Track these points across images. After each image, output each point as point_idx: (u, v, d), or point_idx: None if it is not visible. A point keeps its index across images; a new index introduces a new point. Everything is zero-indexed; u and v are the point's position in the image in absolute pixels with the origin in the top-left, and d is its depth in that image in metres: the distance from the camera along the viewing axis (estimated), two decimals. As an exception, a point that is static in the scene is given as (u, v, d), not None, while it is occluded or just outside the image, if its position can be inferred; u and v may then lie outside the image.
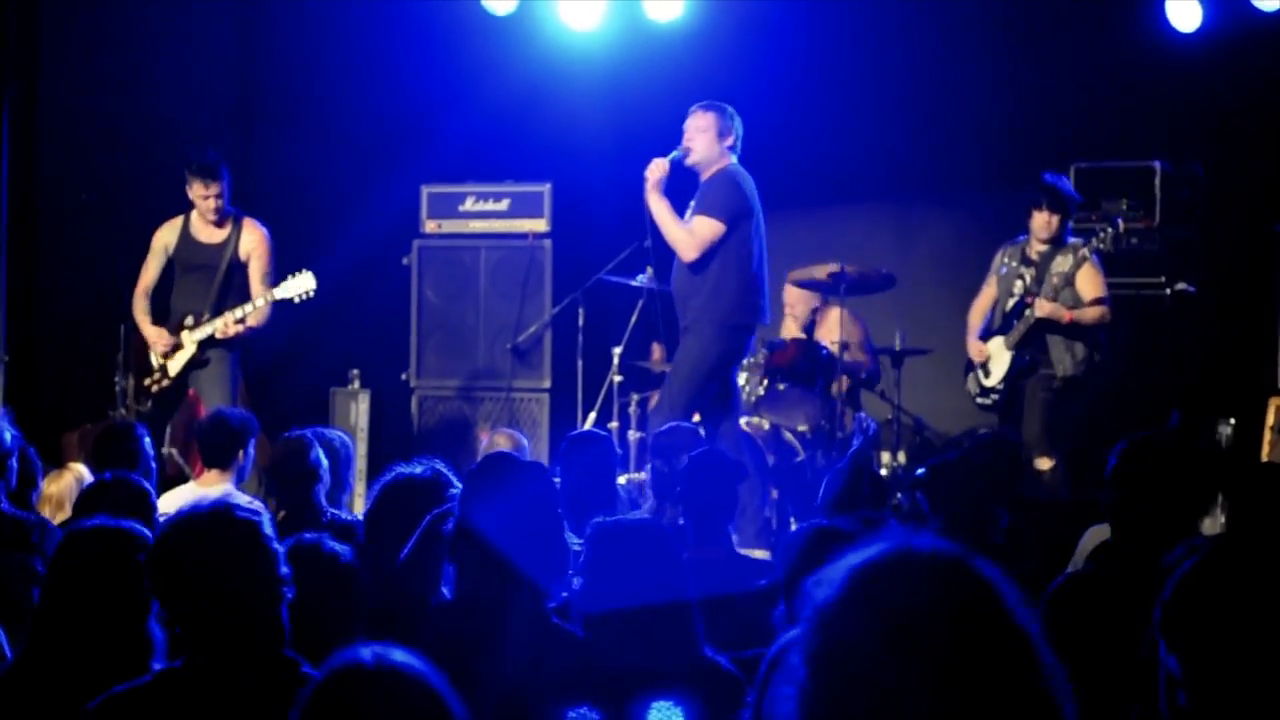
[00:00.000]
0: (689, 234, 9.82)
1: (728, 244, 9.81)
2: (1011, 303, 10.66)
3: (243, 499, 7.78)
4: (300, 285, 10.54)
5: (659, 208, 9.89)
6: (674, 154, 9.87)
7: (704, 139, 9.84)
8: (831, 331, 11.60)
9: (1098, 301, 10.48)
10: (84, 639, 4.31)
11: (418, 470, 5.74)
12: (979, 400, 10.84)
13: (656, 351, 11.94)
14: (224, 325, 10.53)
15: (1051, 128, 12.07)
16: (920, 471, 6.26)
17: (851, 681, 2.21)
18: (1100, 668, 4.48)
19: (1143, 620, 4.88)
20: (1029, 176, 10.75)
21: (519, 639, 4.47)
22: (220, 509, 3.90)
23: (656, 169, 9.85)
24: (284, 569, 3.88)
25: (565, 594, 4.94)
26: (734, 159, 9.96)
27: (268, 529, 3.91)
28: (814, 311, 11.86)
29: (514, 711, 4.26)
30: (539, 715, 4.29)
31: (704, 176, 9.94)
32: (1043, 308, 10.39)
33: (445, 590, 5.05)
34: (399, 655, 2.72)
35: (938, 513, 6.05)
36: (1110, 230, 10.35)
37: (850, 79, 12.70)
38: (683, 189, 10.08)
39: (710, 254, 9.81)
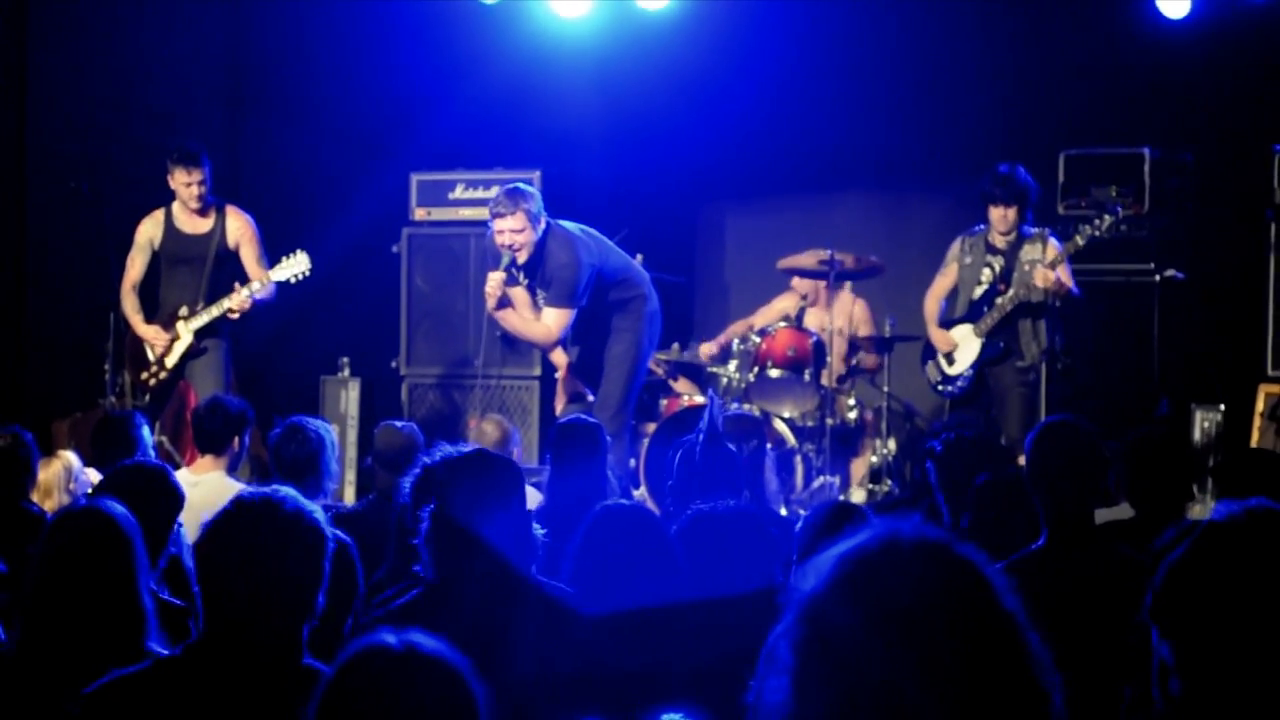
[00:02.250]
0: (545, 330, 9.93)
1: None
2: (980, 291, 10.69)
3: (236, 486, 7.83)
4: (296, 266, 10.55)
5: (509, 322, 9.97)
6: (504, 264, 9.79)
7: (524, 237, 9.72)
8: (851, 326, 11.65)
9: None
10: (77, 618, 4.33)
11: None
12: (940, 388, 10.87)
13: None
14: (234, 304, 10.49)
15: (1041, 115, 12.08)
16: (934, 445, 6.24)
17: (839, 670, 2.21)
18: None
19: (1073, 599, 4.95)
20: (1019, 163, 10.74)
21: (526, 628, 4.47)
22: (301, 512, 3.86)
23: (494, 290, 9.83)
24: (323, 594, 3.85)
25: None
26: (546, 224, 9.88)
27: (327, 529, 3.89)
28: (813, 297, 11.82)
29: (522, 715, 4.26)
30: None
31: (535, 251, 9.85)
32: (1046, 277, 10.35)
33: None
34: (424, 639, 2.73)
35: (944, 487, 6.05)
36: (1100, 224, 10.37)
37: (839, 67, 12.70)
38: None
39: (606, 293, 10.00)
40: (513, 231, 9.71)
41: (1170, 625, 2.79)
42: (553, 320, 9.87)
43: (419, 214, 12.44)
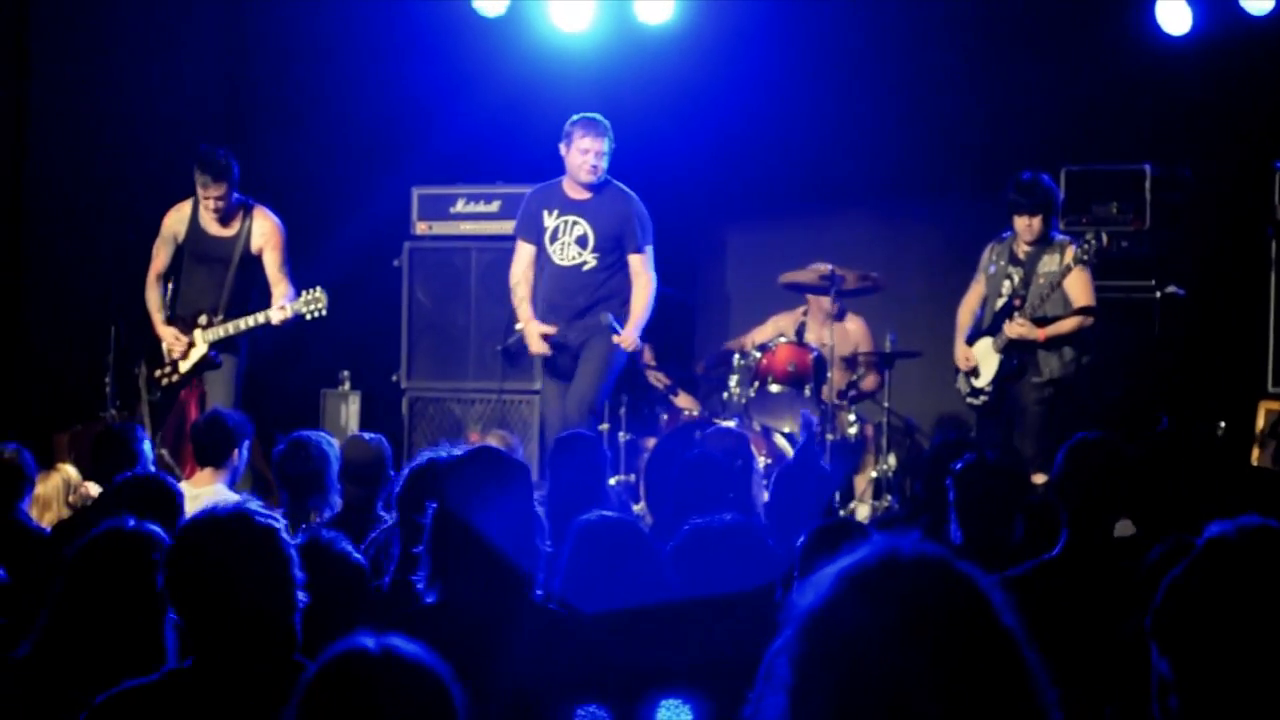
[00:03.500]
0: (646, 282, 10.26)
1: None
2: (1000, 303, 10.62)
3: (234, 499, 7.82)
4: (314, 303, 10.47)
5: (637, 322, 10.21)
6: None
7: (604, 164, 10.17)
8: (850, 343, 11.64)
9: (1084, 310, 10.43)
10: (98, 639, 4.33)
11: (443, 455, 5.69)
12: (969, 400, 10.82)
13: (647, 353, 11.94)
14: (275, 319, 10.49)
15: (1041, 130, 12.07)
16: (957, 466, 6.26)
17: (838, 686, 2.21)
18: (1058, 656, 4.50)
19: (1089, 611, 4.96)
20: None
21: (524, 638, 4.47)
22: (239, 512, 3.87)
23: (632, 344, 10.19)
24: (298, 575, 3.85)
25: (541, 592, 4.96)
26: None
27: (285, 535, 3.89)
28: (828, 318, 11.84)
29: (522, 711, 4.27)
30: (549, 714, 4.30)
31: (595, 191, 10.17)
32: (1013, 329, 10.36)
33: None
34: (403, 643, 2.73)
35: (964, 512, 6.06)
36: (1094, 243, 10.31)
37: (839, 82, 12.70)
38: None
39: (624, 265, 10.24)
40: (599, 154, 10.09)
41: (1169, 642, 2.79)
42: (642, 265, 10.23)
43: (420, 228, 12.44)
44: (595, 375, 10.21)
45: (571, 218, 10.13)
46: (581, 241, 10.09)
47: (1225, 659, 2.73)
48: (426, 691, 2.70)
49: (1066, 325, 10.39)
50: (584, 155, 10.05)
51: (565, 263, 10.20)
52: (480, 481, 4.59)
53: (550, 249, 10.24)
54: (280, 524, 3.91)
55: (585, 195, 10.18)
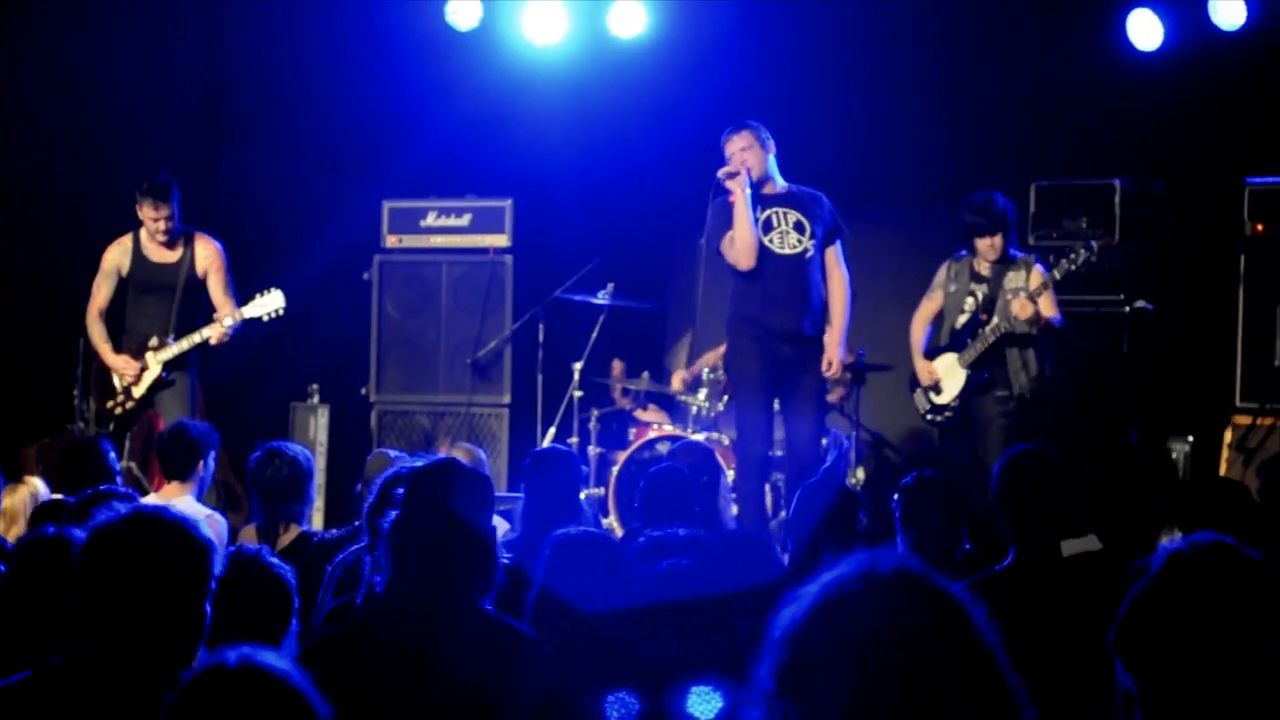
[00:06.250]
0: (844, 275, 9.98)
1: None
2: (963, 319, 10.63)
3: (204, 512, 7.80)
4: (270, 304, 10.49)
5: (845, 335, 9.98)
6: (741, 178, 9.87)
7: (754, 154, 9.90)
8: None
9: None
10: (34, 644, 4.31)
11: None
12: (929, 417, 10.82)
13: (616, 367, 11.95)
14: (214, 337, 10.47)
15: (1012, 144, 12.11)
16: (905, 481, 6.33)
17: (819, 697, 2.21)
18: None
19: (1037, 620, 5.00)
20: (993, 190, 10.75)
21: (462, 643, 4.50)
22: (181, 524, 3.82)
23: (839, 370, 9.99)
24: (208, 606, 3.81)
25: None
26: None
27: (198, 538, 3.84)
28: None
29: (552, 702, 4.30)
30: (577, 705, 4.32)
31: (788, 185, 10.01)
32: (1024, 307, 10.28)
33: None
34: (264, 656, 2.77)
35: (909, 527, 6.14)
36: (1076, 259, 10.35)
37: (810, 96, 12.71)
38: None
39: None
40: (742, 150, 9.86)
41: (1134, 657, 2.81)
42: (839, 257, 9.99)
43: (391, 241, 12.43)
44: (818, 412, 10.02)
45: (780, 208, 9.86)
46: (799, 228, 9.85)
47: (1187, 673, 2.75)
48: (285, 706, 2.73)
49: (1054, 323, 10.43)
50: (732, 161, 9.89)
51: (787, 251, 9.81)
52: (444, 489, 4.63)
53: (767, 240, 9.82)
54: (212, 554, 3.85)
55: (780, 188, 9.94)
